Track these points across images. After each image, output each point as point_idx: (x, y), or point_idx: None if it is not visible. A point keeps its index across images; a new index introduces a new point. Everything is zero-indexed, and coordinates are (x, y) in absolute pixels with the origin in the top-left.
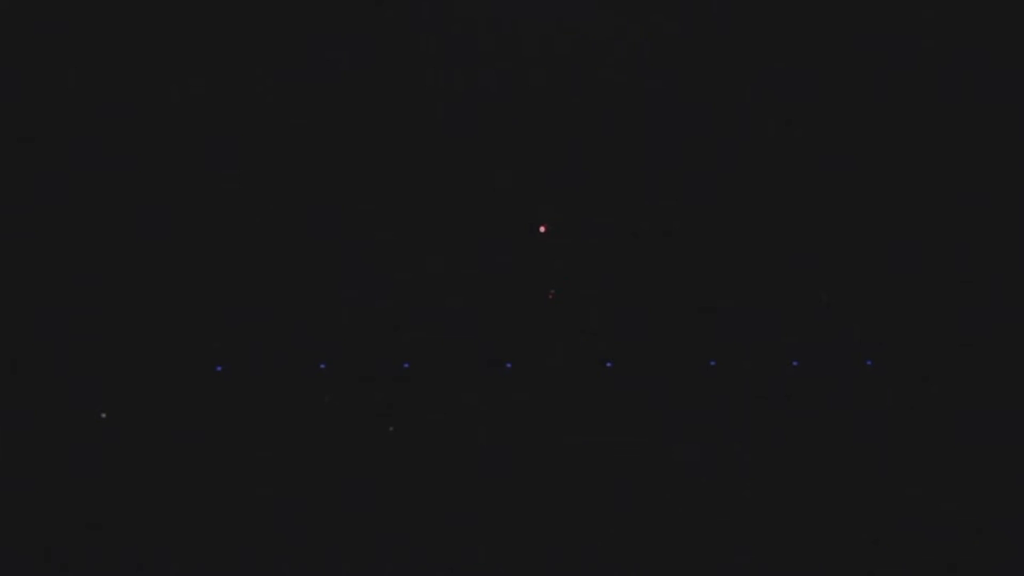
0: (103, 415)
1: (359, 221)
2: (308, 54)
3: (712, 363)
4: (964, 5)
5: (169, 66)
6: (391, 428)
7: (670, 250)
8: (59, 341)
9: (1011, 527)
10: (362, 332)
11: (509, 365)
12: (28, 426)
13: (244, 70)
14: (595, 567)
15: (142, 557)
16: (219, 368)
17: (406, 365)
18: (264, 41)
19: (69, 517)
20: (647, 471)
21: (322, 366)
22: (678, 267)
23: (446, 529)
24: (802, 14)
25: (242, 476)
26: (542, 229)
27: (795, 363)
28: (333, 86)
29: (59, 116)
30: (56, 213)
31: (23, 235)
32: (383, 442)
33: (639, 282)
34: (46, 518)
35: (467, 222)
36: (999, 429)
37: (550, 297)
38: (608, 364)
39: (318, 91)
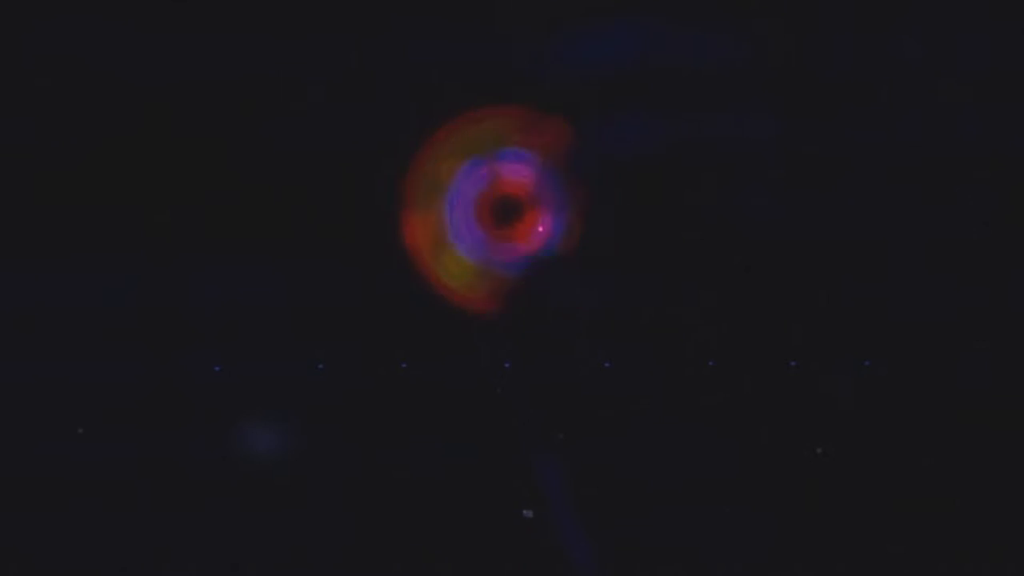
0: (80, 430)
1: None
2: None
3: (712, 363)
4: None
5: None
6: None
7: (668, 250)
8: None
9: (1012, 527)
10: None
11: (508, 365)
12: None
13: None
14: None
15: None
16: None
17: (404, 365)
18: None
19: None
20: (644, 472)
21: (320, 367)
22: (677, 267)
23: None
24: None
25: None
26: (540, 229)
27: (793, 363)
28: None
29: None
30: None
31: None
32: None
33: (638, 281)
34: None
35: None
36: (1000, 429)
37: None
38: (607, 364)
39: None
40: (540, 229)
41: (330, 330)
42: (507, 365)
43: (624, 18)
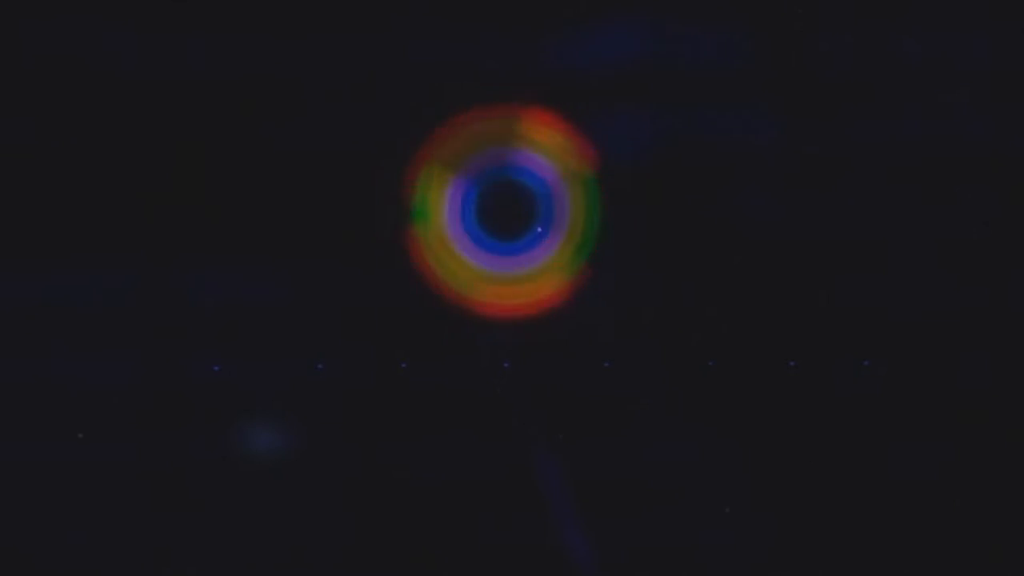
0: (80, 435)
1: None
2: None
3: (712, 363)
4: None
5: None
6: None
7: (668, 250)
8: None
9: (1012, 527)
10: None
11: (507, 365)
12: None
13: None
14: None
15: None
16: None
17: (404, 364)
18: None
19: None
20: (644, 472)
21: (319, 367)
22: (677, 267)
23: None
24: None
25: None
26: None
27: (792, 363)
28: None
29: None
30: None
31: None
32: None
33: (638, 281)
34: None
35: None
36: (1000, 429)
37: None
38: (607, 364)
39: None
40: (539, 230)
41: (330, 330)
42: (507, 365)
43: (624, 17)
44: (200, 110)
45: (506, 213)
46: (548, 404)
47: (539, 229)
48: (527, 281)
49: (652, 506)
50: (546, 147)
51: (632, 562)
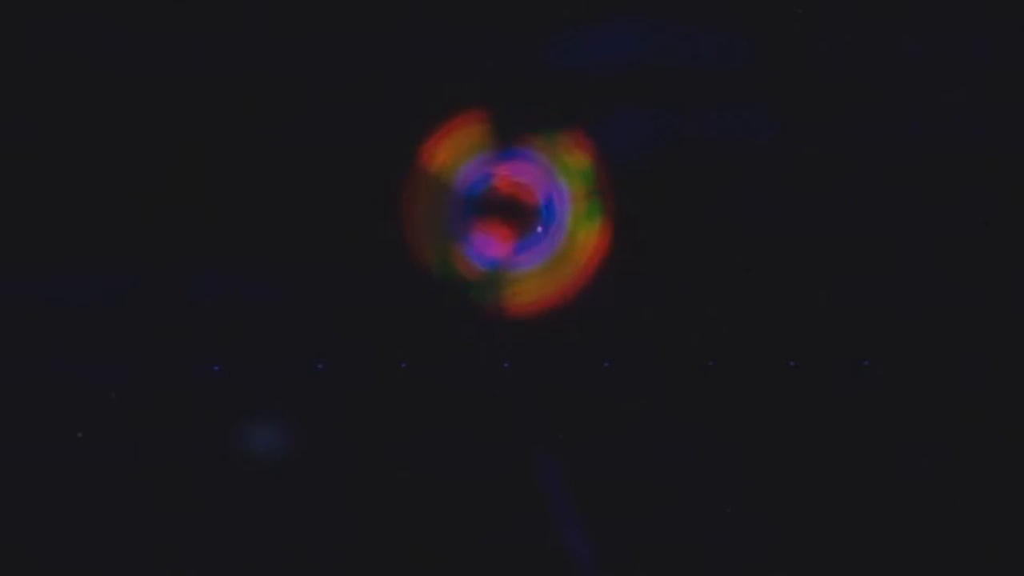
0: (79, 434)
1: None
2: None
3: (712, 363)
4: None
5: None
6: None
7: (668, 250)
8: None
9: (1012, 527)
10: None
11: (507, 365)
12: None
13: None
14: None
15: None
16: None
17: (403, 364)
18: None
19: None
20: (644, 472)
21: (319, 367)
22: (677, 267)
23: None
24: None
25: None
26: (539, 229)
27: (792, 363)
28: None
29: None
30: None
31: None
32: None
33: (638, 281)
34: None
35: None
36: (1000, 429)
37: None
38: (607, 364)
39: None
40: (540, 230)
41: (330, 330)
42: (507, 365)
43: (624, 17)
44: (200, 110)
45: (506, 213)
46: (548, 404)
47: (539, 229)
48: (527, 281)
49: (652, 506)
50: (546, 147)
51: (632, 562)
